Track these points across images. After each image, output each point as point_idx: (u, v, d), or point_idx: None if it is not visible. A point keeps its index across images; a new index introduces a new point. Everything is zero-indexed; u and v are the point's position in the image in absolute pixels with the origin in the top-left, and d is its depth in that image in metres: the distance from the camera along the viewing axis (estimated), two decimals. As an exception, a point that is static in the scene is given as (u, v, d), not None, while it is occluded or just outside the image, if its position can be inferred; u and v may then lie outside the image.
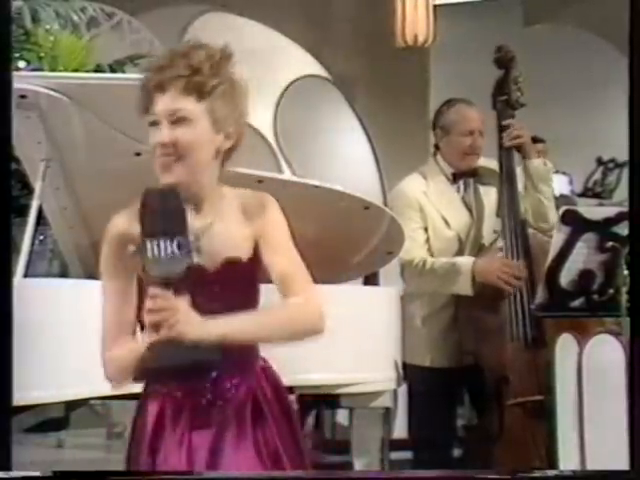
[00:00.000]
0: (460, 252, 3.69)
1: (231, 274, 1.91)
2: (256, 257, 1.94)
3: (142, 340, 1.84)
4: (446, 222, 3.69)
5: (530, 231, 3.66)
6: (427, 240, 3.67)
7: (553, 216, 3.72)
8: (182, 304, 1.77)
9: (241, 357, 1.95)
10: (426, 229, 3.68)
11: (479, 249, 3.69)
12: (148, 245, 1.70)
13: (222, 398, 1.94)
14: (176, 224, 1.73)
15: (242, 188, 1.99)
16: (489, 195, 3.75)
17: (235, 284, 1.91)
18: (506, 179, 3.67)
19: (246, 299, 1.93)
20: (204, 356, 1.78)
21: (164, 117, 1.87)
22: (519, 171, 3.72)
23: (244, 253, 1.93)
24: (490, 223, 3.72)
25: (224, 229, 1.92)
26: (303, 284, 1.94)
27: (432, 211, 3.69)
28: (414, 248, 3.62)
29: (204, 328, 1.79)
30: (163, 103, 1.87)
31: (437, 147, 3.79)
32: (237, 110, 1.93)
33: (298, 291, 1.93)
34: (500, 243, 3.64)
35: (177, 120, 1.86)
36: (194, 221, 1.86)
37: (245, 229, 1.94)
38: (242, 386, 1.96)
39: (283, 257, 1.94)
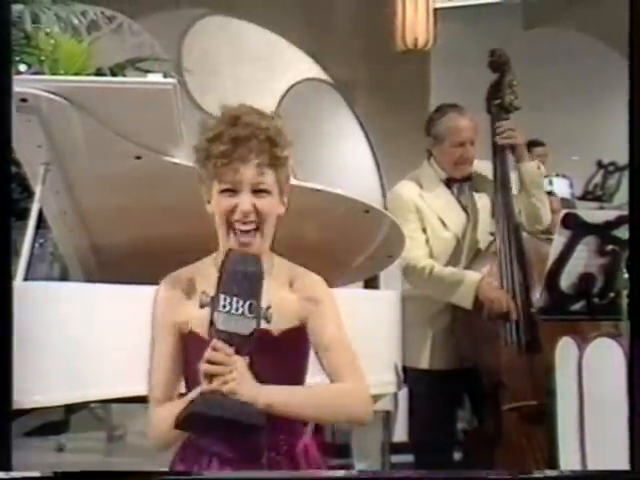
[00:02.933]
0: (458, 253, 3.70)
1: (261, 345, 1.87)
2: (297, 336, 1.97)
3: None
4: (443, 223, 3.71)
5: (525, 235, 3.67)
6: (427, 241, 3.69)
7: (547, 217, 3.76)
8: (241, 363, 1.79)
9: (286, 432, 1.98)
10: (424, 230, 3.70)
11: (476, 253, 3.71)
12: (222, 299, 1.75)
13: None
14: (252, 288, 1.77)
15: (294, 264, 2.03)
16: (483, 199, 3.77)
17: (268, 355, 1.90)
18: (500, 183, 3.69)
19: (293, 370, 1.97)
20: (250, 418, 1.78)
21: (247, 187, 1.91)
22: (513, 175, 3.73)
23: (278, 328, 1.94)
24: (485, 225, 3.74)
25: (275, 297, 1.91)
26: (354, 373, 1.98)
27: (428, 213, 3.71)
28: (415, 248, 3.63)
29: (256, 392, 1.81)
30: (247, 174, 1.91)
31: (430, 153, 3.81)
32: (289, 178, 2.01)
33: (348, 380, 1.95)
34: (494, 247, 3.65)
35: (259, 190, 1.92)
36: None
37: (290, 302, 1.97)
38: (281, 463, 1.97)
39: (336, 350, 1.98)
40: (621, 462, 2.30)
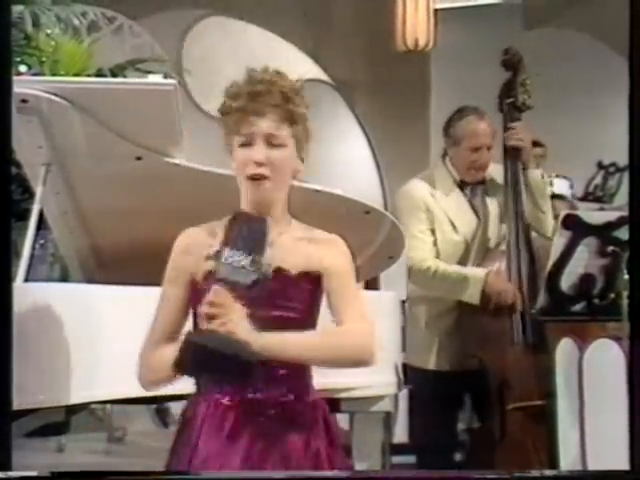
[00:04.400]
0: (466, 255, 3.69)
1: (279, 286, 2.01)
2: (311, 280, 2.06)
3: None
4: (453, 226, 3.69)
5: (534, 234, 3.67)
6: (435, 242, 3.68)
7: (549, 227, 3.75)
8: (239, 308, 1.90)
9: (292, 376, 2.05)
10: (433, 231, 3.68)
11: (485, 253, 3.70)
12: (226, 252, 1.88)
13: (264, 411, 2.02)
14: (256, 244, 1.90)
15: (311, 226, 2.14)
16: (495, 204, 3.76)
17: (282, 295, 2.02)
18: (511, 182, 3.68)
19: (297, 318, 2.03)
20: (244, 353, 1.88)
21: (261, 139, 2.03)
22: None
23: (295, 268, 2.04)
24: (496, 228, 3.73)
25: (283, 247, 2.04)
26: (358, 313, 2.06)
27: (439, 214, 3.69)
28: (421, 249, 3.63)
29: (252, 335, 1.90)
30: (261, 127, 2.03)
31: (446, 152, 3.79)
32: (309, 136, 2.13)
33: (352, 320, 2.04)
34: (504, 246, 3.64)
35: (272, 144, 2.04)
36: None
37: (306, 253, 2.07)
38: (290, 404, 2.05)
39: (346, 299, 2.08)
40: (621, 462, 2.30)
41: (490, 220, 3.73)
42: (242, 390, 2.01)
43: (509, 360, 3.50)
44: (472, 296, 3.56)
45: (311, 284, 2.07)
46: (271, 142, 2.03)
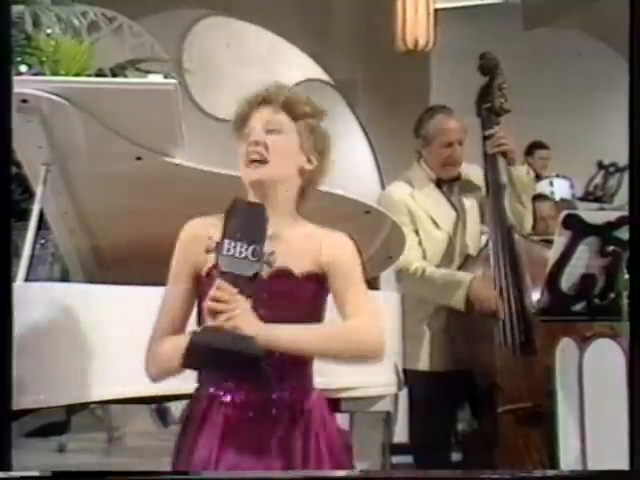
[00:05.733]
0: (450, 253, 3.71)
1: (281, 285, 2.02)
2: (316, 280, 2.06)
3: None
4: (434, 222, 3.73)
5: (516, 237, 3.67)
6: (420, 242, 3.71)
7: (528, 224, 3.79)
8: (243, 301, 1.90)
9: (294, 377, 2.06)
10: (417, 231, 3.71)
11: (467, 257, 3.71)
12: (226, 243, 1.87)
13: (267, 412, 2.02)
14: (256, 234, 1.89)
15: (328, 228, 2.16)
16: (470, 201, 3.80)
17: (286, 296, 2.03)
18: (492, 187, 3.70)
19: (301, 315, 2.03)
20: (247, 348, 1.87)
21: (260, 124, 2.08)
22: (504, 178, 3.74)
23: (300, 269, 2.04)
24: (474, 227, 3.76)
25: (288, 245, 2.04)
26: (365, 309, 2.05)
27: (420, 213, 3.73)
28: (409, 251, 3.64)
29: (257, 327, 1.91)
30: (262, 114, 2.10)
31: (420, 154, 3.82)
32: (319, 147, 2.13)
33: (357, 313, 2.04)
34: (487, 251, 3.65)
35: (270, 130, 2.08)
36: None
37: (312, 252, 2.08)
38: (291, 405, 2.04)
39: (353, 299, 2.06)
40: (621, 462, 2.30)
41: (468, 216, 3.76)
42: (244, 388, 2.02)
43: (498, 362, 3.50)
44: (457, 302, 3.56)
45: (316, 284, 2.07)
46: (268, 127, 2.07)
